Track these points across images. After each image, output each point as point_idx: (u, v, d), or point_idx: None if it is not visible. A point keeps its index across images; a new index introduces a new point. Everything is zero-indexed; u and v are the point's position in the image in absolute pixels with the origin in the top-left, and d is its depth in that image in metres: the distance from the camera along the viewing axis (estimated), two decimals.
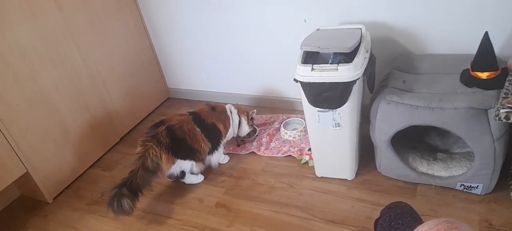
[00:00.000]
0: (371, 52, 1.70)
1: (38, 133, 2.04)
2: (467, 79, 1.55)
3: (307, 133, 2.16)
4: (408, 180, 1.76)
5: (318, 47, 1.62)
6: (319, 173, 1.93)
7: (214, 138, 2.04)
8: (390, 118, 1.59)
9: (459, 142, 1.81)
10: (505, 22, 1.69)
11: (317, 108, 1.64)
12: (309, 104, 1.65)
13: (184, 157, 1.94)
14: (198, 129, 1.97)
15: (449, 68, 1.69)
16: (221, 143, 2.09)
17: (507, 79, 1.46)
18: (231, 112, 2.15)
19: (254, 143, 2.27)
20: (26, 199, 2.24)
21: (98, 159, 2.44)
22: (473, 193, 1.65)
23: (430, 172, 1.71)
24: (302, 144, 2.17)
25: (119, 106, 2.56)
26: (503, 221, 1.52)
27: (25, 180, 2.04)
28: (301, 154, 2.08)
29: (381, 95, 1.61)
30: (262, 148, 2.22)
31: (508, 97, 1.35)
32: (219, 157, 2.13)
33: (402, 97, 1.55)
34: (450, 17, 1.78)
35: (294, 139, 2.22)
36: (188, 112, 2.04)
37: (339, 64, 1.52)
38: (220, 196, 1.97)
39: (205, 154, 2.02)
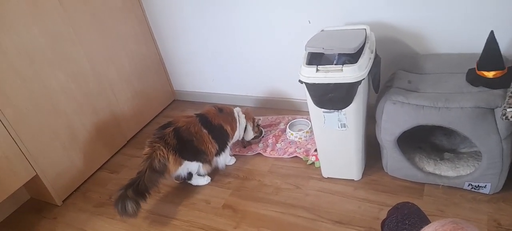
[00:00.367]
0: (376, 52, 1.70)
1: (46, 136, 2.06)
2: (473, 79, 1.55)
3: (313, 134, 2.16)
4: (415, 180, 1.76)
5: (323, 48, 1.62)
6: (325, 173, 1.93)
7: (221, 139, 2.05)
8: (396, 118, 1.59)
9: (466, 141, 1.80)
10: (511, 21, 1.68)
11: (323, 109, 1.65)
12: (314, 105, 1.65)
13: (191, 159, 1.96)
14: (205, 131, 1.98)
15: (455, 68, 1.68)
16: (228, 144, 2.10)
17: None
18: (238, 115, 2.15)
19: (260, 144, 2.28)
20: (36, 202, 2.27)
21: (106, 162, 2.46)
22: (481, 193, 1.64)
23: (437, 172, 1.70)
24: (308, 144, 2.17)
25: (125, 109, 2.58)
26: (511, 221, 1.51)
27: (34, 183, 2.07)
28: (307, 155, 2.09)
29: (387, 96, 1.61)
30: (268, 149, 2.22)
31: None
32: (225, 159, 2.14)
33: (407, 97, 1.55)
34: (455, 16, 1.78)
35: (300, 140, 2.23)
36: (195, 114, 2.05)
37: (344, 65, 1.52)
38: (226, 197, 1.98)
39: (212, 156, 2.03)
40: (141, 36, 2.68)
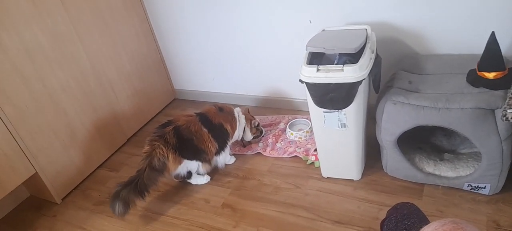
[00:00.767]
0: (376, 52, 1.70)
1: (46, 134, 2.06)
2: (474, 80, 1.55)
3: (313, 134, 2.16)
4: (415, 181, 1.76)
5: (324, 48, 1.62)
6: (325, 173, 1.93)
7: (221, 138, 2.05)
8: (396, 119, 1.59)
9: (466, 142, 1.80)
10: None
11: (323, 109, 1.65)
12: (314, 105, 1.65)
13: (191, 157, 1.96)
14: (205, 130, 1.98)
15: (456, 69, 1.68)
16: (227, 143, 2.10)
17: None
18: (238, 115, 2.15)
19: (260, 144, 2.28)
20: (35, 199, 2.26)
21: (105, 160, 2.46)
22: (481, 194, 1.64)
23: (437, 172, 1.70)
24: (308, 144, 2.17)
25: (125, 108, 2.58)
26: (511, 222, 1.51)
27: (34, 180, 2.07)
28: (307, 155, 2.09)
29: (387, 96, 1.61)
30: (268, 149, 2.22)
31: None
32: (225, 158, 2.14)
33: (408, 97, 1.55)
34: (456, 17, 1.78)
35: (300, 140, 2.23)
36: (195, 113, 2.05)
37: (345, 65, 1.52)
38: (226, 196, 1.98)
39: (212, 155, 2.03)
40: (142, 35, 2.68)
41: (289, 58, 2.34)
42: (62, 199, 2.20)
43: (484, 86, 1.51)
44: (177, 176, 2.03)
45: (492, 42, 1.49)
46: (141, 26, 2.66)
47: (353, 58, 1.60)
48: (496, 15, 1.69)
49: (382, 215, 1.49)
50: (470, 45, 1.79)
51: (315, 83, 1.57)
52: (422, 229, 0.73)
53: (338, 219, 1.70)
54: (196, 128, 1.97)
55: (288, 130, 2.29)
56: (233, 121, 2.12)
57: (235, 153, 2.27)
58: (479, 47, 1.58)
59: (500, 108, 1.38)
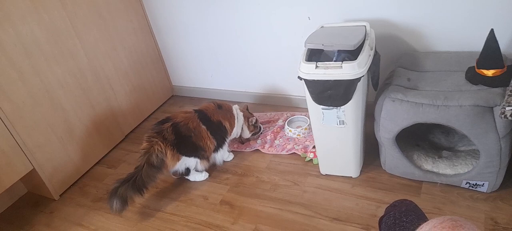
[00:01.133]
0: (375, 49, 1.69)
1: (43, 131, 2.05)
2: (472, 77, 1.55)
3: (311, 131, 2.16)
4: (413, 178, 1.76)
5: (322, 45, 1.61)
6: (323, 170, 1.93)
7: (220, 135, 2.05)
8: (394, 116, 1.59)
9: (464, 139, 1.80)
10: (511, 19, 1.67)
11: (321, 106, 1.64)
12: (313, 102, 1.64)
13: (189, 154, 1.95)
14: (203, 126, 1.98)
15: (454, 66, 1.68)
16: (226, 140, 2.09)
17: None
18: (237, 112, 2.15)
19: (258, 141, 2.28)
20: (33, 196, 2.26)
21: (103, 157, 2.45)
22: (479, 191, 1.64)
23: (435, 169, 1.70)
24: (306, 141, 2.17)
25: (123, 104, 2.57)
26: (508, 219, 1.51)
27: (31, 177, 2.06)
28: (306, 152, 2.08)
29: (386, 93, 1.60)
30: (266, 146, 2.22)
31: None
32: (223, 155, 2.13)
33: (406, 95, 1.55)
34: (455, 14, 1.77)
35: (298, 137, 2.22)
36: (194, 109, 2.05)
37: (343, 61, 1.52)
38: (224, 193, 1.97)
39: (210, 152, 2.03)
40: (140, 31, 2.66)
41: (288, 55, 2.33)
42: (60, 196, 2.19)
43: (483, 84, 1.50)
44: (175, 173, 2.02)
45: (491, 39, 1.48)
46: (139, 22, 2.64)
47: (351, 55, 1.60)
48: (495, 13, 1.69)
49: (380, 212, 1.49)
50: (469, 42, 1.79)
51: (314, 80, 1.56)
52: (421, 226, 0.73)
53: (336, 216, 1.70)
54: (195, 124, 1.96)
55: (286, 127, 2.29)
56: (231, 118, 2.12)
57: (233, 149, 2.26)
58: (478, 45, 1.58)
59: (499, 106, 1.38)
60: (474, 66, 1.56)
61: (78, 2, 2.20)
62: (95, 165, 2.40)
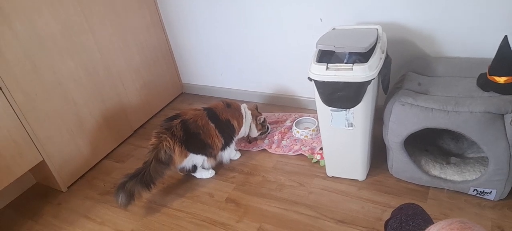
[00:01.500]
0: (386, 53, 1.69)
1: (54, 123, 2.08)
2: (484, 83, 1.54)
3: (319, 132, 2.16)
4: (420, 183, 1.75)
5: (334, 46, 1.61)
6: (330, 172, 1.93)
7: (228, 134, 2.06)
8: (404, 120, 1.59)
9: (474, 146, 1.79)
10: None
11: (330, 108, 1.64)
12: (322, 103, 1.64)
13: (197, 151, 1.97)
14: (212, 124, 1.99)
15: (466, 72, 1.67)
16: (234, 139, 2.10)
17: None
18: (245, 111, 2.16)
19: (266, 140, 2.28)
20: (41, 187, 2.29)
21: (112, 151, 2.48)
22: (486, 199, 1.63)
23: (442, 175, 1.69)
24: (313, 143, 2.17)
25: (133, 100, 2.59)
26: None
27: (40, 168, 2.09)
28: (313, 153, 2.09)
29: (396, 97, 1.60)
30: (274, 146, 2.22)
31: None
32: (230, 153, 2.14)
33: (417, 99, 1.54)
34: (469, 20, 1.76)
35: (305, 138, 2.23)
36: (203, 107, 2.06)
37: (354, 64, 1.52)
38: (230, 191, 1.98)
39: (218, 150, 2.04)
40: (152, 28, 2.69)
41: (298, 56, 2.34)
42: (68, 188, 2.22)
43: (494, 91, 1.49)
44: (182, 169, 2.04)
45: (504, 46, 1.47)
46: (151, 18, 2.67)
47: (363, 57, 1.60)
48: (509, 19, 1.67)
49: (386, 216, 1.49)
50: (482, 48, 1.77)
51: (324, 81, 1.57)
52: (429, 228, 0.73)
53: (341, 219, 1.69)
54: (203, 122, 1.98)
55: (294, 127, 2.29)
56: (240, 117, 2.13)
57: (240, 148, 2.27)
58: (490, 51, 1.57)
59: (510, 113, 1.37)
60: (486, 73, 1.55)
61: None
62: (103, 158, 2.43)
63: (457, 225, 0.66)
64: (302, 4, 2.14)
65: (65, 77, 2.11)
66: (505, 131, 1.41)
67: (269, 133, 2.33)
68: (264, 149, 2.23)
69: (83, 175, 2.30)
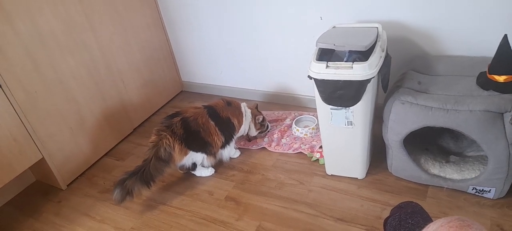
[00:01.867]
0: (386, 51, 1.69)
1: (55, 121, 2.08)
2: (484, 82, 1.54)
3: (318, 131, 2.16)
4: (419, 182, 1.75)
5: (334, 45, 1.62)
6: (329, 171, 1.93)
7: (228, 132, 2.06)
8: (403, 118, 1.59)
9: (473, 145, 1.79)
10: None
11: (330, 106, 1.64)
12: (322, 101, 1.65)
13: (197, 149, 1.97)
14: (212, 122, 1.99)
15: (466, 71, 1.67)
16: (233, 137, 2.11)
17: None
18: (245, 110, 2.16)
19: (265, 139, 2.28)
20: (41, 185, 2.29)
21: (112, 148, 2.48)
22: (485, 197, 1.63)
23: (442, 174, 1.70)
24: (313, 141, 2.17)
25: (134, 98, 2.60)
26: None
27: (40, 165, 2.09)
28: (312, 151, 2.09)
29: (396, 95, 1.60)
30: (273, 144, 2.23)
31: None
32: (230, 151, 2.14)
33: (416, 98, 1.54)
34: (469, 19, 1.76)
35: (305, 136, 2.23)
36: (203, 105, 2.06)
37: (354, 62, 1.52)
38: (230, 189, 1.99)
39: (218, 148, 2.04)
40: (153, 26, 2.69)
41: (298, 55, 2.34)
42: (68, 186, 2.23)
43: (494, 90, 1.49)
44: (182, 167, 2.04)
45: (504, 45, 1.47)
46: (151, 16, 2.67)
47: (363, 56, 1.60)
48: (509, 18, 1.67)
49: (385, 214, 1.49)
50: (482, 47, 1.77)
51: (324, 79, 1.57)
52: (428, 226, 0.73)
53: (341, 217, 1.70)
54: (204, 120, 1.98)
55: (294, 126, 2.30)
56: (240, 115, 2.13)
57: (240, 147, 2.27)
58: (490, 50, 1.57)
59: (509, 112, 1.37)
60: (485, 72, 1.55)
61: None
62: (103, 156, 2.43)
63: (456, 223, 0.66)
64: (302, 2, 2.14)
65: (66, 75, 2.11)
66: (505, 130, 1.41)
67: (268, 131, 2.33)
68: (264, 147, 2.23)
69: (83, 173, 2.31)
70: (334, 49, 1.68)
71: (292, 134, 2.29)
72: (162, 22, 2.78)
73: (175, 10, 2.67)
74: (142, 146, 2.43)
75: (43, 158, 2.05)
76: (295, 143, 2.20)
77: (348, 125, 1.68)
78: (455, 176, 1.67)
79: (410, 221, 1.08)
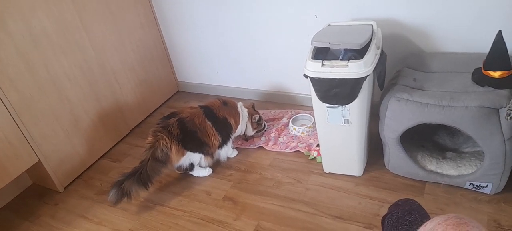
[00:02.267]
0: (382, 49, 1.69)
1: (50, 123, 2.07)
2: (479, 78, 1.54)
3: (315, 129, 2.16)
4: (416, 178, 1.76)
5: (329, 43, 1.62)
6: (326, 169, 1.94)
7: (225, 132, 2.06)
8: (399, 116, 1.59)
9: (469, 141, 1.80)
10: None
11: (326, 104, 1.64)
12: (318, 100, 1.65)
13: (194, 150, 1.96)
14: (209, 122, 1.99)
15: (461, 67, 1.68)
16: (230, 137, 2.10)
17: None
18: (241, 109, 2.16)
19: (262, 138, 2.28)
20: (38, 188, 2.28)
21: (108, 150, 2.47)
22: (482, 193, 1.64)
23: (439, 170, 1.70)
24: (310, 139, 2.17)
25: (129, 98, 2.58)
26: None
27: (36, 168, 2.08)
28: (309, 150, 2.09)
29: (391, 93, 1.60)
30: (270, 143, 2.23)
31: None
32: (227, 151, 2.14)
33: (412, 95, 1.55)
34: (463, 15, 1.77)
35: (302, 135, 2.23)
36: (200, 105, 2.06)
37: (350, 60, 1.52)
38: (227, 189, 1.98)
39: (215, 148, 2.04)
40: (147, 26, 2.68)
41: (294, 53, 2.34)
42: (65, 188, 2.21)
43: (489, 85, 1.50)
44: (179, 168, 2.03)
45: (499, 41, 1.48)
46: (146, 16, 2.66)
47: (358, 54, 1.60)
48: (503, 14, 1.68)
49: (383, 211, 1.50)
50: (476, 43, 1.78)
51: (320, 78, 1.57)
52: (425, 223, 0.73)
53: (338, 215, 1.70)
54: (200, 120, 1.97)
55: (291, 124, 2.29)
56: (236, 115, 2.12)
57: (237, 146, 2.27)
58: (485, 46, 1.58)
59: (505, 107, 1.38)
60: (480, 68, 1.56)
61: None
62: (100, 158, 2.42)
63: (453, 221, 0.67)
64: (297, 1, 2.14)
65: (60, 76, 2.10)
66: (500, 125, 1.41)
67: (265, 130, 2.33)
68: (261, 147, 2.23)
69: (79, 175, 2.30)
70: (329, 48, 1.68)
71: (289, 133, 2.28)
72: (156, 21, 2.77)
73: (169, 9, 2.66)
74: (139, 147, 2.43)
75: (39, 161, 2.03)
76: (292, 142, 2.20)
77: (344, 123, 1.68)
78: (452, 172, 1.68)
79: (407, 218, 1.09)
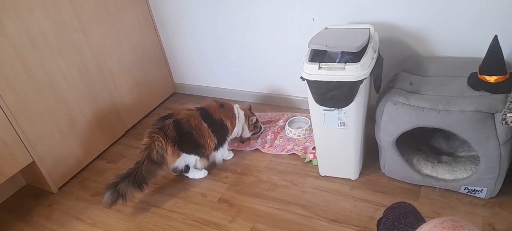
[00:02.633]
0: (379, 52, 1.70)
1: (45, 123, 2.06)
2: (475, 83, 1.55)
3: (311, 132, 2.16)
4: (412, 182, 1.76)
5: (326, 46, 1.62)
6: (322, 172, 1.93)
7: (221, 134, 2.05)
8: (396, 119, 1.59)
9: (465, 145, 1.80)
10: None
11: (323, 107, 1.65)
12: (315, 102, 1.65)
13: (190, 151, 1.96)
14: (205, 124, 1.98)
15: (457, 71, 1.69)
16: (227, 139, 2.10)
17: None
18: (238, 111, 2.15)
19: (259, 140, 2.28)
20: (32, 188, 2.26)
21: (104, 151, 2.46)
22: (477, 197, 1.64)
23: (434, 174, 1.71)
24: (306, 142, 2.17)
25: (125, 99, 2.57)
26: (507, 226, 1.52)
27: (31, 169, 2.06)
28: (305, 153, 2.09)
29: (388, 96, 1.61)
30: (267, 145, 2.22)
31: None
32: (223, 153, 2.13)
33: (408, 98, 1.55)
34: (460, 20, 1.78)
35: (298, 137, 2.23)
36: (196, 107, 2.05)
37: (347, 63, 1.52)
38: (223, 191, 1.98)
39: (210, 150, 2.03)
40: (144, 27, 2.67)
41: (291, 56, 2.34)
42: (59, 189, 2.20)
43: (485, 90, 1.51)
44: (175, 170, 2.03)
45: (495, 45, 1.49)
46: (143, 17, 2.65)
47: (355, 57, 1.60)
48: (500, 19, 1.69)
49: (379, 215, 1.49)
50: (473, 48, 1.79)
51: (316, 80, 1.57)
52: (421, 226, 0.73)
53: (334, 218, 1.70)
54: (196, 122, 1.97)
55: (287, 127, 2.29)
56: (233, 117, 2.12)
57: (233, 148, 2.27)
58: (481, 51, 1.58)
59: (500, 112, 1.39)
60: (476, 72, 1.57)
61: None
62: (95, 159, 2.40)
63: (449, 224, 0.67)
64: (295, 4, 2.14)
65: (56, 77, 2.09)
66: (496, 130, 1.42)
67: (262, 132, 2.33)
68: (257, 149, 2.23)
69: (74, 176, 2.28)
70: (326, 51, 1.69)
71: (285, 135, 2.28)
72: (154, 23, 2.76)
73: (166, 11, 2.66)
74: (135, 148, 2.41)
75: (33, 161, 2.02)
76: (289, 144, 2.19)
77: (341, 126, 1.68)
78: (447, 176, 1.68)
79: (403, 222, 1.09)
